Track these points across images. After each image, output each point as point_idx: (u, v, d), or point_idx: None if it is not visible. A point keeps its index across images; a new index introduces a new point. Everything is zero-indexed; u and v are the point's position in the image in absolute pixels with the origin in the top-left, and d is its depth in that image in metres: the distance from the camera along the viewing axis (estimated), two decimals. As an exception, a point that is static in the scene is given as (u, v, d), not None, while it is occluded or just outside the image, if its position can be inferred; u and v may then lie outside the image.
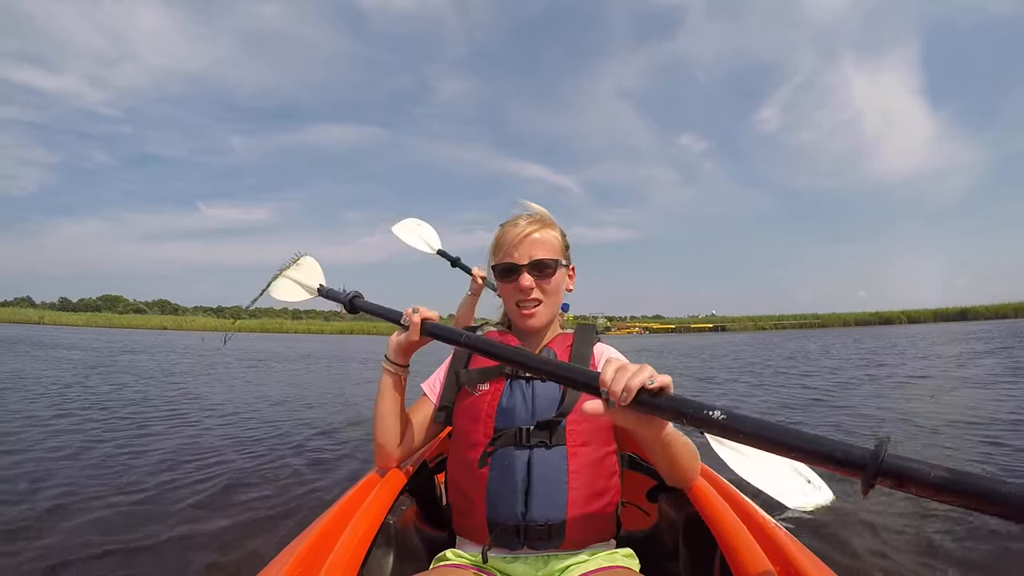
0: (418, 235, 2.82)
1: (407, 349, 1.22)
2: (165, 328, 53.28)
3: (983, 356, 12.31)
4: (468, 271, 2.77)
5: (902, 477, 0.62)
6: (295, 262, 1.63)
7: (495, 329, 1.35)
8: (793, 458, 0.71)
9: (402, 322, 1.21)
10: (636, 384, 0.80)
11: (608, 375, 0.83)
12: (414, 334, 1.17)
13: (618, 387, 0.81)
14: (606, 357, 1.22)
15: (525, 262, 1.22)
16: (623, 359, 1.14)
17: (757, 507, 1.12)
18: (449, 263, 2.86)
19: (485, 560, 1.09)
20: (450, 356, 1.33)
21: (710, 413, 0.76)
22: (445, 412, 1.27)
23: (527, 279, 1.22)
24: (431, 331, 1.17)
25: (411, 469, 1.36)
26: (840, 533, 2.38)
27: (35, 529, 2.58)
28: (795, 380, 9.68)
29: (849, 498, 2.63)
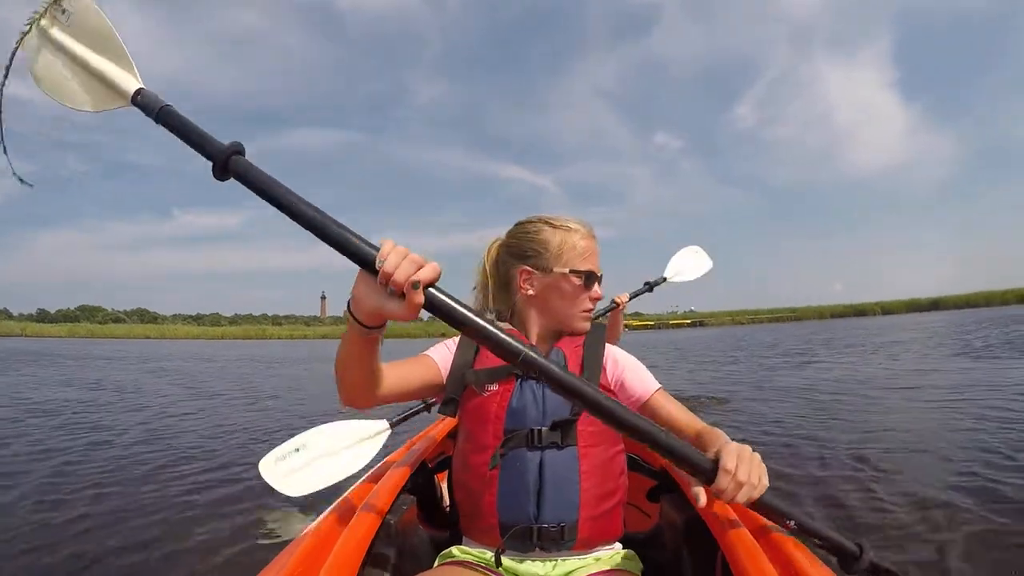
0: (327, 454, 2.05)
1: (385, 316, 0.80)
2: (148, 337, 53.20)
3: (890, 345, 13.37)
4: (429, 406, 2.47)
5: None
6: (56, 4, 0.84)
7: (506, 327, 1.24)
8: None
9: (377, 266, 0.73)
10: (760, 494, 0.85)
11: (725, 482, 0.86)
12: (409, 310, 0.74)
13: (738, 494, 0.86)
14: (617, 361, 1.23)
15: (600, 273, 1.24)
16: (632, 359, 1.24)
17: None
18: (425, 411, 2.47)
19: (499, 564, 1.07)
20: (456, 343, 1.22)
21: (786, 521, 0.95)
22: (452, 406, 1.17)
23: (600, 291, 1.24)
24: (437, 307, 0.76)
25: (411, 469, 1.35)
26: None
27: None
28: (720, 365, 11.43)
29: (851, 499, 2.71)
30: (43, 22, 0.87)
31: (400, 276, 0.72)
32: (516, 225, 1.30)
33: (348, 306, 0.83)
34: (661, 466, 1.46)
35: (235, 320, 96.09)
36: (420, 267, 0.74)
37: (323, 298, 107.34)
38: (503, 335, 0.79)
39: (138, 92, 0.86)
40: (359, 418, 1.96)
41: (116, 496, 3.21)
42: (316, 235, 0.77)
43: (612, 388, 1.20)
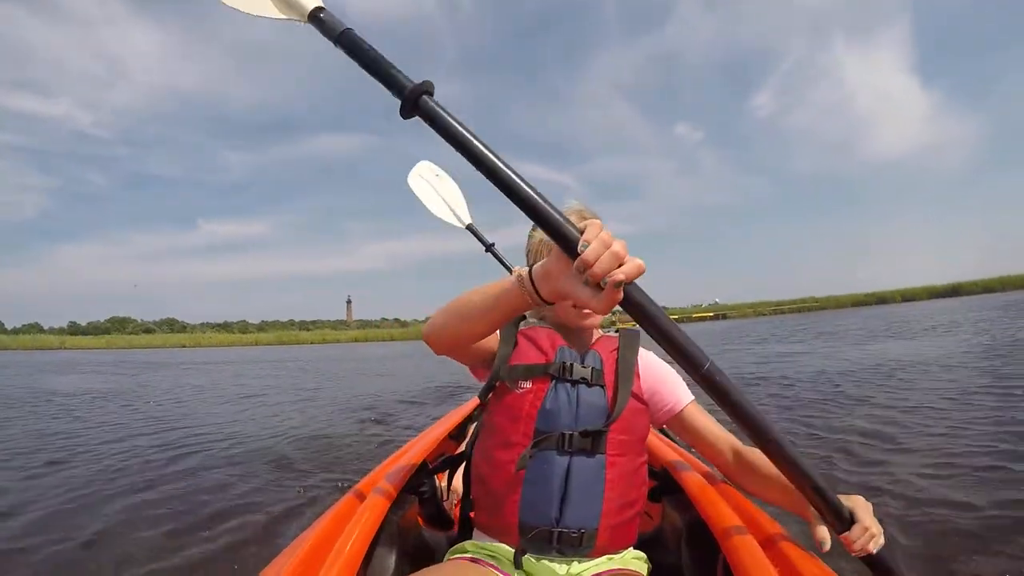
0: (440, 195, 2.42)
1: (574, 302, 0.84)
2: (183, 346, 54.68)
3: (858, 336, 13.89)
4: (506, 267, 2.45)
5: None
6: None
7: (542, 326, 1.24)
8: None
9: (579, 250, 0.70)
10: (876, 548, 0.87)
11: (859, 537, 0.88)
12: (606, 305, 0.73)
13: (865, 547, 0.89)
14: (651, 368, 1.22)
15: None
16: (665, 367, 1.24)
17: (760, 510, 1.13)
18: (483, 246, 2.54)
19: (518, 565, 1.07)
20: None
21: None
22: (488, 393, 1.16)
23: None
24: (634, 305, 0.73)
25: (412, 469, 1.36)
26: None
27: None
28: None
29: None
30: None
31: (600, 269, 0.69)
32: None
33: (531, 272, 0.84)
34: (662, 466, 1.45)
35: (262, 327, 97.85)
36: (621, 262, 0.70)
37: (348, 302, 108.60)
38: (686, 339, 0.76)
39: (318, 10, 0.84)
40: (465, 197, 2.51)
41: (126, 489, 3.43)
42: (510, 198, 0.74)
43: (644, 396, 1.18)
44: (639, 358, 1.22)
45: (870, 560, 0.90)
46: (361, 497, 1.21)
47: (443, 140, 0.76)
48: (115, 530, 2.71)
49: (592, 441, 1.10)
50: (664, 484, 1.43)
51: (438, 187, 2.46)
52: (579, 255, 0.70)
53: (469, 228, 2.47)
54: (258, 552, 2.36)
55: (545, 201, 0.73)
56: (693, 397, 1.21)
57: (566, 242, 0.71)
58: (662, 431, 1.89)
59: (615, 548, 1.14)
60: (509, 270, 2.37)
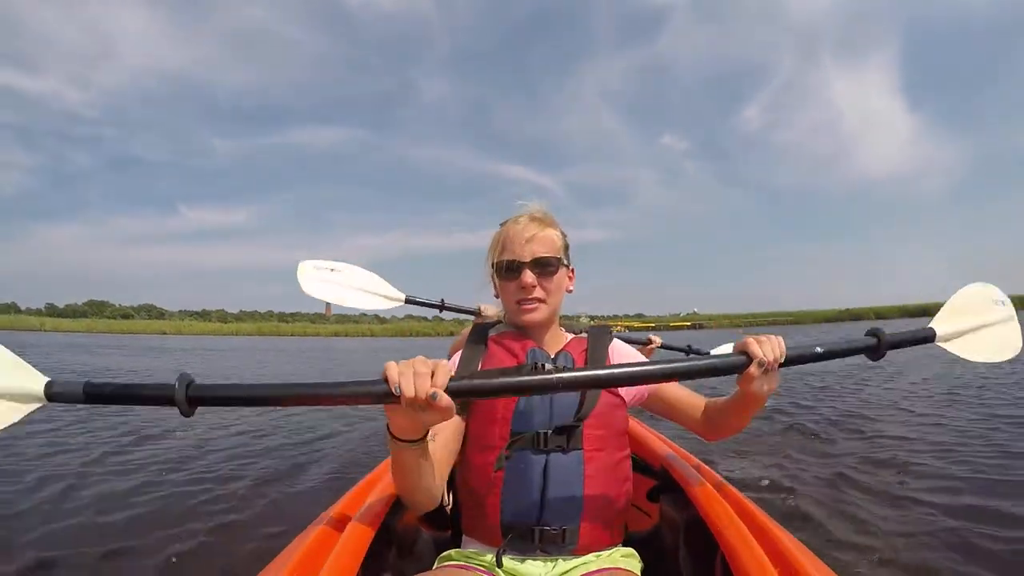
0: (354, 288, 2.14)
1: (427, 427, 0.92)
2: (164, 333, 54.29)
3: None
4: (466, 311, 2.31)
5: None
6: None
7: (510, 329, 1.29)
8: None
9: (396, 394, 0.81)
10: (784, 352, 0.99)
11: (765, 351, 0.98)
12: (444, 415, 0.84)
13: (775, 356, 0.98)
14: (621, 356, 1.27)
15: (528, 259, 1.18)
16: (633, 351, 1.31)
17: (758, 508, 1.12)
18: (435, 309, 2.33)
19: (499, 564, 1.08)
20: (459, 353, 1.26)
21: (815, 354, 1.03)
22: (462, 403, 1.07)
23: (529, 276, 1.17)
24: (464, 392, 0.86)
25: None
26: (842, 534, 2.38)
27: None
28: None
29: (852, 499, 2.74)
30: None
31: (420, 394, 0.80)
32: None
33: (390, 432, 0.92)
34: (661, 466, 1.45)
35: (241, 317, 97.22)
36: (431, 375, 0.82)
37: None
38: (526, 378, 0.88)
39: (49, 385, 0.83)
40: (384, 278, 2.17)
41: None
42: (321, 404, 0.85)
43: (619, 389, 1.21)
44: (610, 352, 1.26)
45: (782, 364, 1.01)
46: (360, 498, 1.22)
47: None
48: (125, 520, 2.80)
49: (567, 438, 1.12)
50: (663, 482, 1.44)
51: (345, 282, 2.15)
52: (399, 396, 0.80)
53: (409, 301, 2.26)
54: (258, 551, 2.35)
55: (340, 384, 0.84)
56: None
57: (381, 397, 0.81)
58: (659, 428, 1.93)
59: (601, 546, 1.15)
60: (473, 313, 2.28)
